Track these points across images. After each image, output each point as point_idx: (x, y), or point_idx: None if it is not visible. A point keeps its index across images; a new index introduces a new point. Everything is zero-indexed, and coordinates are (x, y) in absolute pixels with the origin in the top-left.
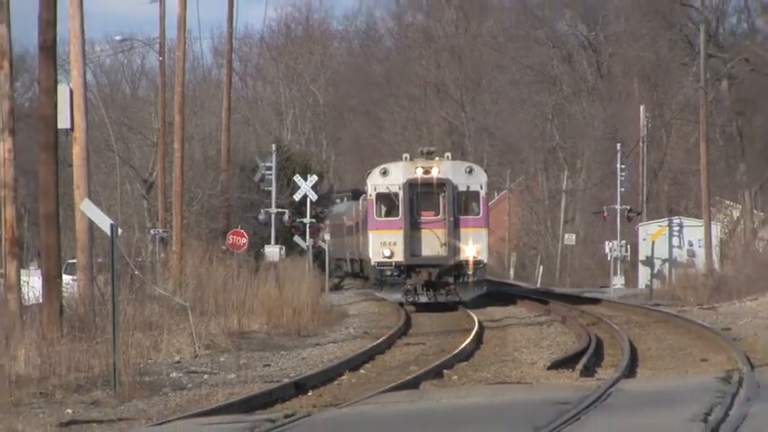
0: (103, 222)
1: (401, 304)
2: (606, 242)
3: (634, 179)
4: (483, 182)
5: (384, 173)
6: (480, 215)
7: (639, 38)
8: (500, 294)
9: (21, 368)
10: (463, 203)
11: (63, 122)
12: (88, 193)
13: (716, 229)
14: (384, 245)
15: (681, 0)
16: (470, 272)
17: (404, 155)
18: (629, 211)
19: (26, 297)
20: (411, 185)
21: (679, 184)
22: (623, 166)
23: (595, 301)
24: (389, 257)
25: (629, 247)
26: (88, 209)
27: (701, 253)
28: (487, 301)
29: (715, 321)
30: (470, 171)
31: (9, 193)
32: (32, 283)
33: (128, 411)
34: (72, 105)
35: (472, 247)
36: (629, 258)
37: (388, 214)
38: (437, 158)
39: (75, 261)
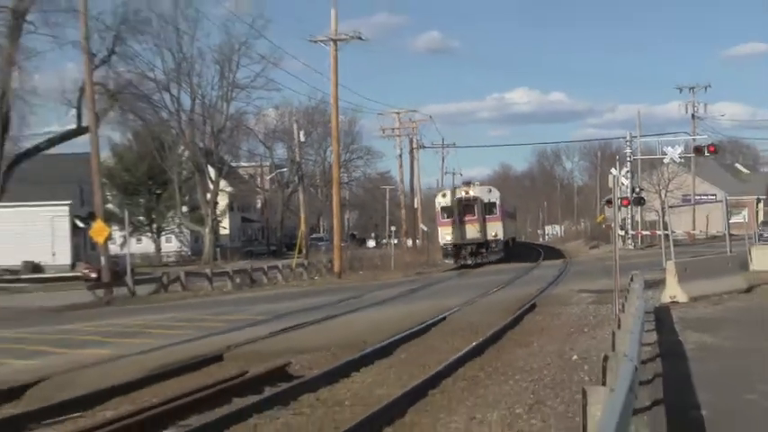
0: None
1: (458, 265)
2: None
3: None
4: (497, 197)
5: (444, 195)
6: (497, 214)
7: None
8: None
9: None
10: (487, 208)
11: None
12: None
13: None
14: (446, 234)
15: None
16: (494, 245)
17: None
18: None
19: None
20: (459, 201)
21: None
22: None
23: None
24: (449, 241)
25: None
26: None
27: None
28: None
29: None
30: (490, 191)
31: (303, 216)
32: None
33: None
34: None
35: (493, 232)
36: None
37: (447, 216)
38: (472, 185)
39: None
